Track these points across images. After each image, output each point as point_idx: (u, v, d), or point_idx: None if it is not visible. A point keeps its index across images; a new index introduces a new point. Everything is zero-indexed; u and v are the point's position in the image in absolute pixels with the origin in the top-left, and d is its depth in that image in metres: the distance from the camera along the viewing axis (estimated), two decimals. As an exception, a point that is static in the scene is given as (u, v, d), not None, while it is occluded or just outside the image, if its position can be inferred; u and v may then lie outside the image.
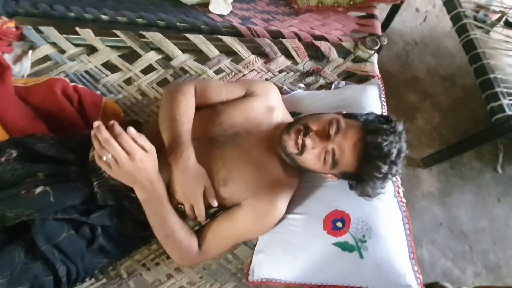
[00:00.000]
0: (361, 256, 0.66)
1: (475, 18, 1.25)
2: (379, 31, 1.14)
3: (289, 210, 0.73)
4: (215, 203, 0.68)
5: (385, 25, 1.64)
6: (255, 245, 0.78)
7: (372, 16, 1.21)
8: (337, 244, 0.68)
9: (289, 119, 0.81)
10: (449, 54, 1.78)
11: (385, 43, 1.03)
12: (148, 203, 0.63)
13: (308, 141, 0.63)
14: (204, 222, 0.72)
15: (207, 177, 0.68)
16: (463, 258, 1.30)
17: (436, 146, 1.51)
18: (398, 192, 0.71)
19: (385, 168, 0.60)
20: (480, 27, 1.23)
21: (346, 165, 0.63)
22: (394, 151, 0.60)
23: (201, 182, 0.67)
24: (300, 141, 0.64)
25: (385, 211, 0.69)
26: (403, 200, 0.70)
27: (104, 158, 0.53)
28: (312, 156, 0.65)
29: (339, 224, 0.70)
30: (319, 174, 0.71)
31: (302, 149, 0.64)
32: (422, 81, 1.69)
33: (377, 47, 1.00)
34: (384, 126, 0.63)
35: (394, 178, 0.73)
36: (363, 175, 0.63)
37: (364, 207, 0.70)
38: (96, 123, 0.52)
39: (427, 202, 1.40)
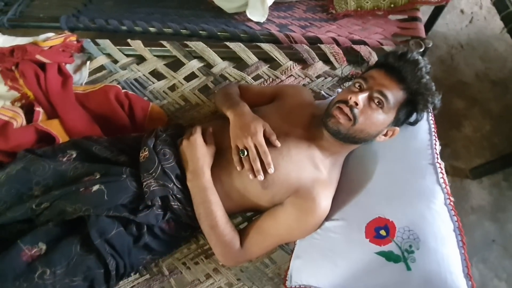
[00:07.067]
0: (408, 268, 0.62)
1: (527, 18, 1.15)
2: (423, 33, 1.10)
3: (328, 216, 0.72)
4: (277, 143, 0.70)
5: (427, 28, 1.56)
6: (292, 250, 0.77)
7: (415, 19, 1.16)
8: (381, 253, 0.65)
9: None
10: (499, 58, 1.65)
11: (430, 45, 0.98)
12: (195, 191, 0.71)
13: (352, 100, 0.66)
14: (271, 169, 0.67)
15: (264, 121, 0.72)
16: (519, 280, 1.17)
17: (487, 156, 1.40)
18: (450, 200, 0.66)
19: (425, 68, 0.67)
20: (536, 28, 1.13)
21: (392, 93, 0.67)
22: (416, 56, 0.68)
23: (260, 122, 0.71)
24: (346, 110, 0.67)
25: (434, 220, 0.65)
26: (455, 209, 0.65)
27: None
28: (364, 113, 0.67)
29: (382, 232, 0.67)
30: (374, 139, 0.72)
31: (353, 113, 0.67)
32: (470, 86, 1.58)
33: (421, 50, 0.96)
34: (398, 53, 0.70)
35: (441, 166, 0.73)
36: (411, 88, 0.67)
37: (411, 215, 0.66)
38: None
39: (477, 217, 1.29)
